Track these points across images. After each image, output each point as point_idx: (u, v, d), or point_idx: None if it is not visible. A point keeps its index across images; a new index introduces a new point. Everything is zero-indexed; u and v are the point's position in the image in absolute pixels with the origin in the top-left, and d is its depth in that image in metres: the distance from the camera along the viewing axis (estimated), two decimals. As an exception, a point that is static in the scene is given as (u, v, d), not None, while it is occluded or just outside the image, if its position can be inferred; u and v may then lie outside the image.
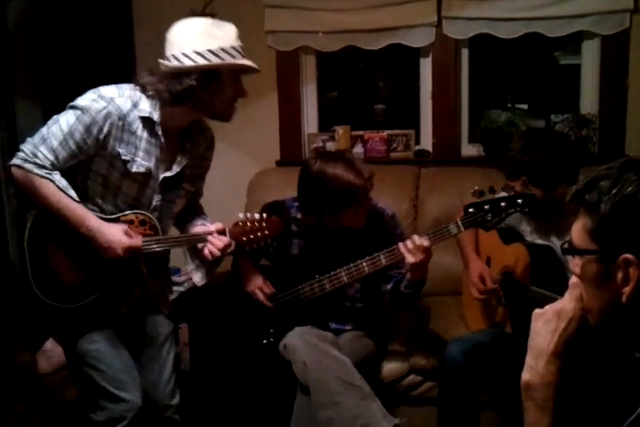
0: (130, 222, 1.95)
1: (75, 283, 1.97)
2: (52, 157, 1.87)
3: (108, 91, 1.90)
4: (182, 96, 1.87)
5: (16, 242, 4.06)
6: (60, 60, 3.92)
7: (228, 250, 2.05)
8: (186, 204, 2.16)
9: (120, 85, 1.94)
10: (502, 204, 2.03)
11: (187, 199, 2.14)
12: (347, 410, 2.09)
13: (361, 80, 4.36)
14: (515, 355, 1.31)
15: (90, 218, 1.90)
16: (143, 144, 1.93)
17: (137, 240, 1.92)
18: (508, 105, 3.58)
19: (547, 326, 1.16)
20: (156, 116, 1.92)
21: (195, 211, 2.22)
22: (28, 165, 1.87)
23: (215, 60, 1.86)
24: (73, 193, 1.90)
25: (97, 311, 1.99)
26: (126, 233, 1.91)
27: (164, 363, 2.16)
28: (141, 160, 1.93)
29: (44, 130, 1.89)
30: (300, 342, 2.23)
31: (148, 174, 1.95)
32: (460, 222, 2.09)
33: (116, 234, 1.89)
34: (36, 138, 1.89)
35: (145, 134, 1.93)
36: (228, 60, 1.88)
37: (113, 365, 2.00)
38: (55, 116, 1.91)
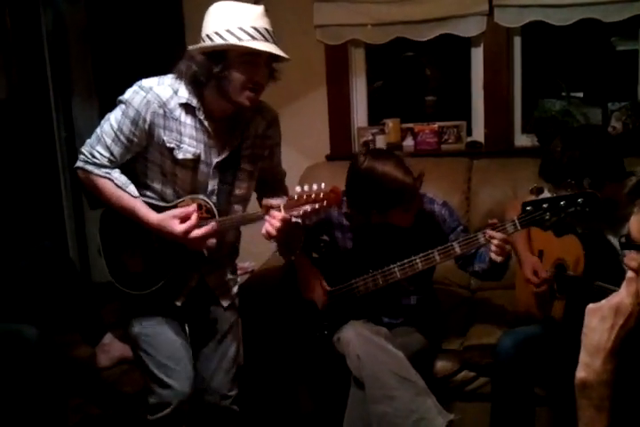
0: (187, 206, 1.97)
1: (142, 271, 2.03)
2: (107, 155, 1.95)
3: (149, 81, 1.94)
4: (194, 79, 1.88)
5: (75, 240, 4.19)
6: (115, 60, 4.01)
7: (288, 225, 1.93)
8: (263, 186, 2.15)
9: (163, 76, 1.97)
10: (562, 202, 1.96)
11: (251, 181, 2.10)
12: (402, 404, 2.09)
13: (410, 71, 4.32)
14: (568, 348, 1.28)
15: (147, 214, 1.95)
16: (188, 130, 1.94)
17: (192, 221, 1.92)
18: (563, 93, 3.50)
19: (603, 323, 1.12)
20: (194, 102, 1.93)
21: (274, 192, 2.18)
22: (88, 167, 1.98)
23: (218, 41, 1.82)
24: (132, 189, 1.97)
25: (156, 298, 2.04)
26: (180, 218, 1.92)
27: (225, 354, 2.18)
28: (187, 146, 1.94)
29: (98, 130, 1.98)
30: (354, 335, 2.24)
31: (197, 160, 1.96)
32: (517, 221, 2.05)
33: (171, 226, 1.91)
34: (93, 138, 1.99)
35: (188, 120, 1.94)
36: (232, 41, 1.81)
37: (162, 351, 2.05)
38: (107, 115, 1.98)
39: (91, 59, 4.31)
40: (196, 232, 1.92)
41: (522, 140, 3.50)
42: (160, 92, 1.91)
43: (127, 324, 2.11)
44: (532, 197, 2.04)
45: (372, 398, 2.12)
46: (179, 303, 2.08)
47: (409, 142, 3.61)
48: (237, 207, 2.07)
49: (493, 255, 2.09)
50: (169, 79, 1.95)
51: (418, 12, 3.35)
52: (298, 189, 1.90)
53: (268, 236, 1.93)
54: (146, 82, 1.94)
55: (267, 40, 1.84)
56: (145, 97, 1.91)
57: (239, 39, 1.81)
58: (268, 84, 1.94)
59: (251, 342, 2.72)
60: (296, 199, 1.89)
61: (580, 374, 1.13)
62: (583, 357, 1.14)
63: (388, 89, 4.21)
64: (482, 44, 3.42)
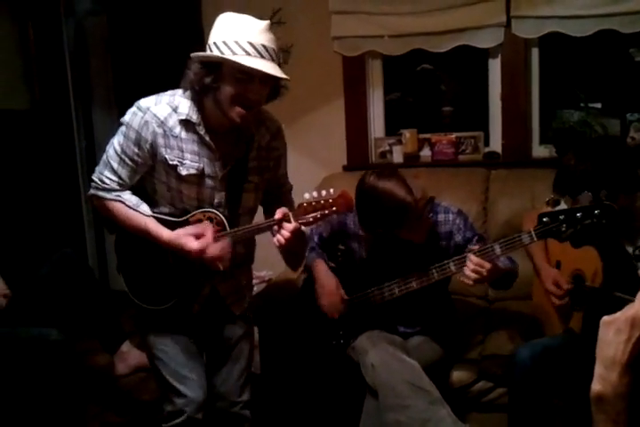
0: (199, 221, 1.98)
1: (159, 286, 2.04)
2: (116, 179, 1.98)
3: (146, 101, 1.94)
4: (191, 87, 1.87)
5: (95, 248, 4.23)
6: (135, 70, 4.07)
7: (298, 234, 1.91)
8: (269, 198, 2.14)
9: (161, 94, 1.97)
10: (578, 214, 1.95)
11: (258, 192, 2.10)
12: (416, 414, 2.08)
13: (427, 82, 4.33)
14: (586, 360, 1.27)
15: (160, 232, 1.96)
16: (189, 146, 1.94)
17: (207, 239, 1.93)
18: (581, 104, 3.49)
19: (618, 335, 1.11)
20: (194, 117, 1.92)
21: (280, 205, 2.15)
22: (100, 193, 2.01)
23: (214, 52, 1.80)
24: (144, 208, 1.99)
25: (172, 309, 2.05)
26: (195, 235, 1.93)
27: (236, 361, 2.19)
28: (190, 162, 1.94)
29: (104, 155, 2.01)
30: (369, 344, 2.24)
31: (201, 175, 1.96)
32: (533, 232, 2.05)
33: (186, 244, 1.92)
34: (100, 164, 2.02)
35: (189, 136, 1.93)
36: (225, 54, 1.78)
37: (176, 359, 2.07)
38: (111, 140, 2.00)
39: (111, 69, 4.38)
40: (213, 249, 1.92)
41: (539, 150, 3.49)
42: (157, 112, 1.91)
43: (142, 332, 2.13)
44: (549, 209, 2.04)
45: (385, 407, 2.12)
46: (194, 312, 2.09)
47: (426, 153, 3.62)
48: (245, 219, 2.08)
49: (464, 277, 2.11)
50: (167, 97, 1.95)
51: (435, 23, 3.36)
52: (307, 195, 1.89)
53: (279, 244, 1.91)
54: (144, 102, 1.94)
55: (263, 57, 1.79)
56: (143, 118, 1.91)
57: (233, 53, 1.77)
58: (265, 103, 1.92)
59: (267, 350, 2.73)
60: (305, 206, 1.88)
61: (596, 387, 1.11)
62: (599, 370, 1.12)
63: (405, 100, 4.22)
64: (499, 55, 3.43)
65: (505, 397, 2.37)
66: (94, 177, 2.03)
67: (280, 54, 1.86)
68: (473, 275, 2.09)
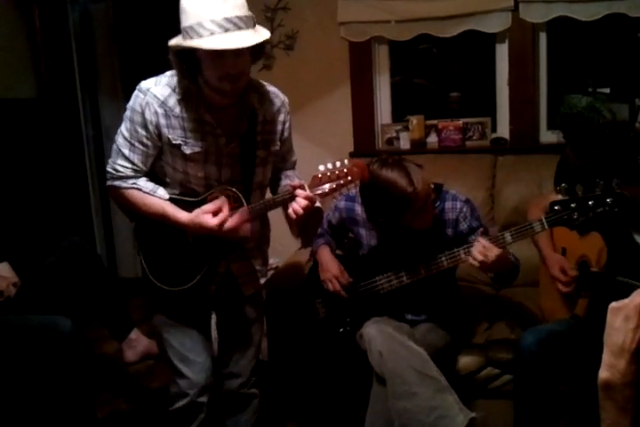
0: (215, 199, 1.97)
1: (180, 268, 2.05)
2: (130, 165, 1.99)
3: (146, 83, 1.96)
4: (181, 71, 1.88)
5: (102, 236, 4.24)
6: (142, 58, 4.05)
7: (313, 205, 1.89)
8: (274, 173, 2.14)
9: (161, 75, 1.98)
10: (590, 202, 1.94)
11: (267, 166, 2.09)
12: (423, 401, 2.09)
13: (434, 67, 4.30)
14: (592, 345, 1.27)
15: (177, 215, 1.96)
16: (191, 125, 1.94)
17: (224, 214, 1.93)
18: (589, 89, 3.46)
19: (627, 323, 1.10)
20: (192, 95, 1.92)
21: (285, 177, 2.17)
22: (116, 183, 2.02)
23: (187, 40, 1.78)
24: (161, 192, 2.00)
25: (190, 290, 2.06)
26: (212, 212, 1.93)
27: (249, 341, 2.22)
28: (193, 141, 1.95)
29: (114, 145, 2.01)
30: (377, 331, 2.24)
31: (205, 152, 1.97)
32: (544, 220, 2.04)
33: (205, 222, 1.92)
34: (113, 154, 2.03)
35: (190, 115, 1.94)
36: (194, 39, 1.76)
37: (185, 343, 2.11)
38: (119, 129, 2.01)
39: (117, 57, 4.37)
40: (230, 223, 1.93)
41: (547, 136, 3.47)
42: (157, 92, 1.92)
43: (153, 316, 2.15)
44: (559, 197, 2.02)
45: (393, 395, 2.13)
46: (211, 293, 2.10)
47: (433, 139, 3.60)
48: (256, 194, 2.07)
49: (470, 258, 2.10)
50: (166, 77, 1.96)
51: (442, 8, 3.34)
52: (321, 167, 1.86)
53: (295, 215, 1.88)
54: (144, 84, 1.96)
55: (227, 30, 1.75)
56: (144, 99, 1.92)
57: (199, 36, 1.75)
58: (250, 68, 1.89)
59: (274, 337, 2.74)
60: (320, 177, 1.86)
61: (604, 374, 1.11)
62: (607, 357, 1.11)
63: (411, 82, 4.19)
64: (507, 40, 3.40)
65: (512, 383, 2.38)
66: (108, 168, 2.03)
67: (250, 15, 1.80)
68: (479, 256, 2.07)
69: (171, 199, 2.01)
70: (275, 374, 2.74)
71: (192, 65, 1.84)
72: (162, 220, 1.99)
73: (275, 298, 2.69)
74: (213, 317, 2.27)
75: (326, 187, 1.86)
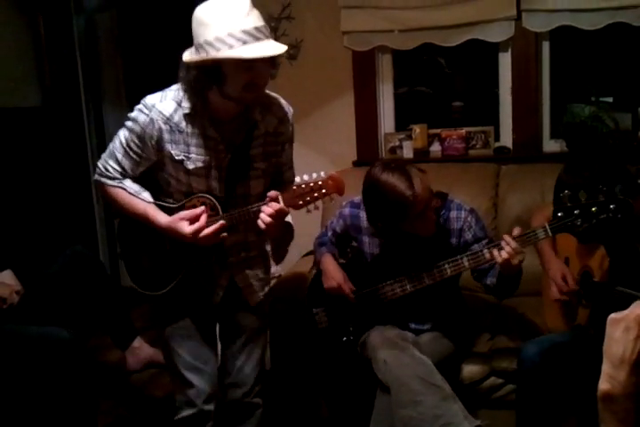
0: (193, 207, 1.99)
1: (157, 272, 2.09)
2: (119, 169, 2.04)
3: (151, 98, 1.97)
4: (195, 86, 1.88)
5: (106, 244, 4.25)
6: (146, 66, 4.07)
7: (281, 217, 1.90)
8: (271, 184, 2.13)
9: (166, 89, 1.98)
10: (593, 209, 1.94)
11: (267, 178, 2.09)
12: (428, 409, 2.08)
13: (437, 76, 4.31)
14: (594, 356, 1.26)
15: (157, 217, 1.99)
16: (195, 140, 1.95)
17: (200, 223, 1.93)
18: (592, 98, 3.46)
19: (627, 333, 1.09)
20: (199, 110, 1.93)
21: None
22: (103, 179, 2.08)
23: (211, 52, 1.76)
24: (145, 195, 2.04)
25: (191, 300, 2.09)
26: (189, 220, 1.94)
27: (252, 350, 2.22)
28: (196, 155, 1.96)
29: (111, 145, 2.06)
30: (381, 340, 2.24)
31: (207, 167, 1.98)
32: (548, 227, 2.04)
33: (181, 228, 1.93)
34: (106, 153, 2.08)
35: (195, 130, 1.95)
36: (224, 51, 1.75)
37: (191, 351, 2.11)
38: (119, 130, 2.04)
39: (121, 65, 4.39)
40: (205, 232, 1.93)
41: (550, 145, 3.47)
42: (163, 108, 1.94)
43: (159, 324, 2.16)
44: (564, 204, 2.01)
45: (397, 403, 2.12)
46: (215, 303, 2.12)
47: (436, 148, 3.60)
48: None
49: (499, 260, 2.07)
50: (172, 92, 1.96)
51: (445, 17, 3.35)
52: (297, 179, 1.87)
53: (263, 224, 1.88)
54: (149, 99, 1.97)
55: (259, 39, 1.77)
56: (148, 115, 1.94)
57: (230, 47, 1.74)
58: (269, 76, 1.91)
59: (277, 346, 2.73)
60: (295, 189, 1.86)
61: (604, 386, 1.09)
62: (606, 368, 1.09)
63: (414, 92, 4.20)
64: (510, 49, 3.41)
65: (514, 394, 2.36)
66: (99, 163, 2.08)
67: (268, 26, 1.84)
68: (506, 254, 2.05)
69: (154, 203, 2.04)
70: (277, 384, 2.73)
71: (213, 78, 1.83)
72: (143, 220, 2.02)
73: (277, 307, 2.68)
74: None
75: (300, 200, 1.86)
